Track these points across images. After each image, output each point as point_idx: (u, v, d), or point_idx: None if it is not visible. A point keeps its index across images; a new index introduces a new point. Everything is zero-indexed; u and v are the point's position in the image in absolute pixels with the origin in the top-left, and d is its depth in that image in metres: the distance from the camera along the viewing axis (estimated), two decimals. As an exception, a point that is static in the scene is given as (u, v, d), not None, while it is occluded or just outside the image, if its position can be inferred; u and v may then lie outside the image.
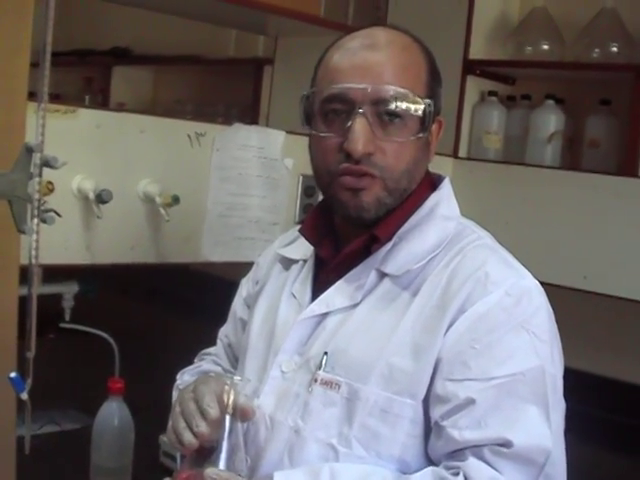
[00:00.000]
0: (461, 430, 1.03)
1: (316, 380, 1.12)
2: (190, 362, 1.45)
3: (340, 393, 1.10)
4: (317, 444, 1.10)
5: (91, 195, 1.56)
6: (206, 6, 2.00)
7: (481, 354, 1.06)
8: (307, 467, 1.07)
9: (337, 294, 1.16)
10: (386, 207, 1.14)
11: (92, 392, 1.75)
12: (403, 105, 1.11)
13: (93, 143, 1.60)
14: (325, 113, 1.14)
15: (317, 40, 1.41)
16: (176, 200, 1.68)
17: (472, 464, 1.02)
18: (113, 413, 1.64)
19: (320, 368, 1.12)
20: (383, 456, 1.07)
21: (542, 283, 1.14)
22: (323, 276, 1.21)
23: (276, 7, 1.95)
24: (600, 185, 2.03)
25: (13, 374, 1.24)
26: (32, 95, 1.33)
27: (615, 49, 2.14)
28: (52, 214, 1.23)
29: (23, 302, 1.29)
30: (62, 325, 2.13)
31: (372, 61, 1.11)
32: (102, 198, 1.55)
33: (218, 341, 1.44)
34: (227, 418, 1.06)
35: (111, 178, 1.61)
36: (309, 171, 1.21)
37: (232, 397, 1.07)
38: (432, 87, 1.17)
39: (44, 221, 1.22)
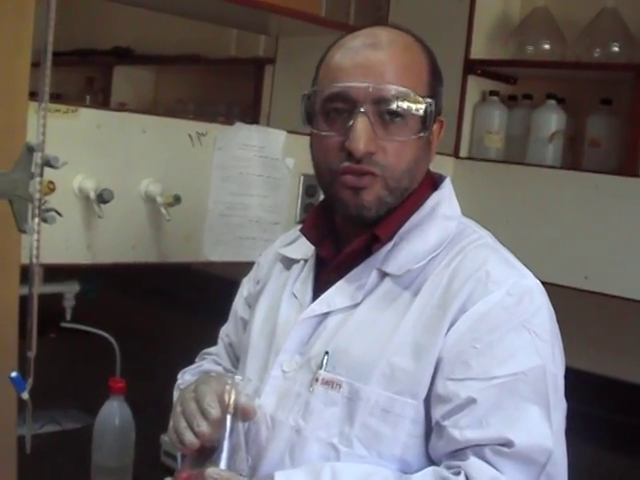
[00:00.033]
0: (462, 430, 1.03)
1: (317, 380, 1.12)
2: (191, 362, 1.45)
3: (341, 393, 1.10)
4: (318, 444, 1.10)
5: (92, 195, 1.56)
6: (207, 6, 2.00)
7: (482, 354, 1.05)
8: (308, 467, 1.07)
9: (338, 294, 1.16)
10: (387, 206, 1.14)
11: (93, 391, 1.75)
12: (404, 104, 1.11)
13: (94, 143, 1.61)
14: (326, 112, 1.14)
15: (318, 40, 1.41)
16: (177, 200, 1.68)
17: (473, 464, 1.02)
18: (114, 413, 1.64)
19: (321, 368, 1.12)
20: (384, 456, 1.07)
21: (543, 283, 1.13)
22: (324, 276, 1.21)
23: (277, 7, 1.95)
24: (601, 184, 2.03)
25: (14, 373, 1.24)
26: (33, 95, 1.33)
27: (616, 49, 2.14)
28: (53, 214, 1.23)
29: (24, 302, 1.29)
30: (63, 325, 2.13)
31: (374, 60, 1.11)
32: (103, 198, 1.56)
33: (219, 341, 1.44)
34: (228, 418, 1.06)
35: (112, 178, 1.61)
36: (310, 171, 1.21)
37: (233, 397, 1.07)
38: (433, 87, 1.17)
39: (45, 221, 1.22)
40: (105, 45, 3.38)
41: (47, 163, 1.19)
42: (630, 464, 2.01)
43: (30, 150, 1.18)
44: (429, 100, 1.13)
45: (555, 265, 2.06)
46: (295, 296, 1.23)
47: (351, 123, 1.10)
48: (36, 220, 1.21)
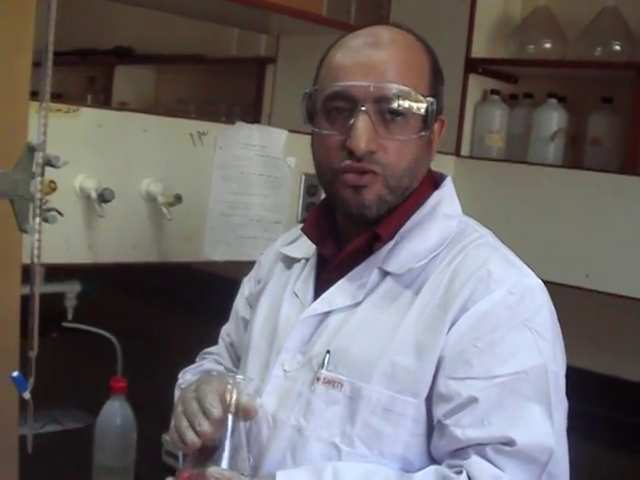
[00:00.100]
0: (464, 429, 1.03)
1: (318, 379, 1.12)
2: (192, 361, 1.45)
3: (343, 392, 1.10)
4: (320, 443, 1.10)
5: (93, 194, 1.56)
6: (209, 5, 2.00)
7: (484, 352, 1.05)
8: (310, 466, 1.07)
9: (339, 293, 1.16)
10: (388, 205, 1.14)
11: (94, 391, 1.75)
12: (405, 103, 1.11)
13: (95, 142, 1.61)
14: (328, 111, 1.14)
15: (319, 39, 1.41)
16: (178, 199, 1.68)
17: (475, 462, 1.02)
18: (115, 412, 1.64)
19: (323, 367, 1.12)
20: (386, 455, 1.07)
21: (544, 281, 1.14)
22: (325, 275, 1.21)
23: (278, 6, 1.95)
24: (602, 183, 2.03)
25: (15, 373, 1.24)
26: (34, 94, 1.33)
27: (617, 47, 2.14)
28: (54, 213, 1.23)
29: (25, 301, 1.29)
30: (64, 324, 2.14)
31: (375, 59, 1.11)
32: (104, 197, 1.56)
33: (220, 340, 1.44)
34: (229, 417, 1.06)
35: (113, 177, 1.61)
36: (311, 170, 1.21)
37: (234, 396, 1.07)
38: (434, 85, 1.17)
39: (46, 220, 1.22)
40: (106, 45, 3.38)
41: (48, 163, 1.19)
42: (631, 463, 2.01)
43: (31, 150, 1.18)
44: (430, 99, 1.13)
45: (556, 264, 2.06)
46: (296, 295, 1.23)
47: (352, 122, 1.10)
48: (37, 220, 1.21)
